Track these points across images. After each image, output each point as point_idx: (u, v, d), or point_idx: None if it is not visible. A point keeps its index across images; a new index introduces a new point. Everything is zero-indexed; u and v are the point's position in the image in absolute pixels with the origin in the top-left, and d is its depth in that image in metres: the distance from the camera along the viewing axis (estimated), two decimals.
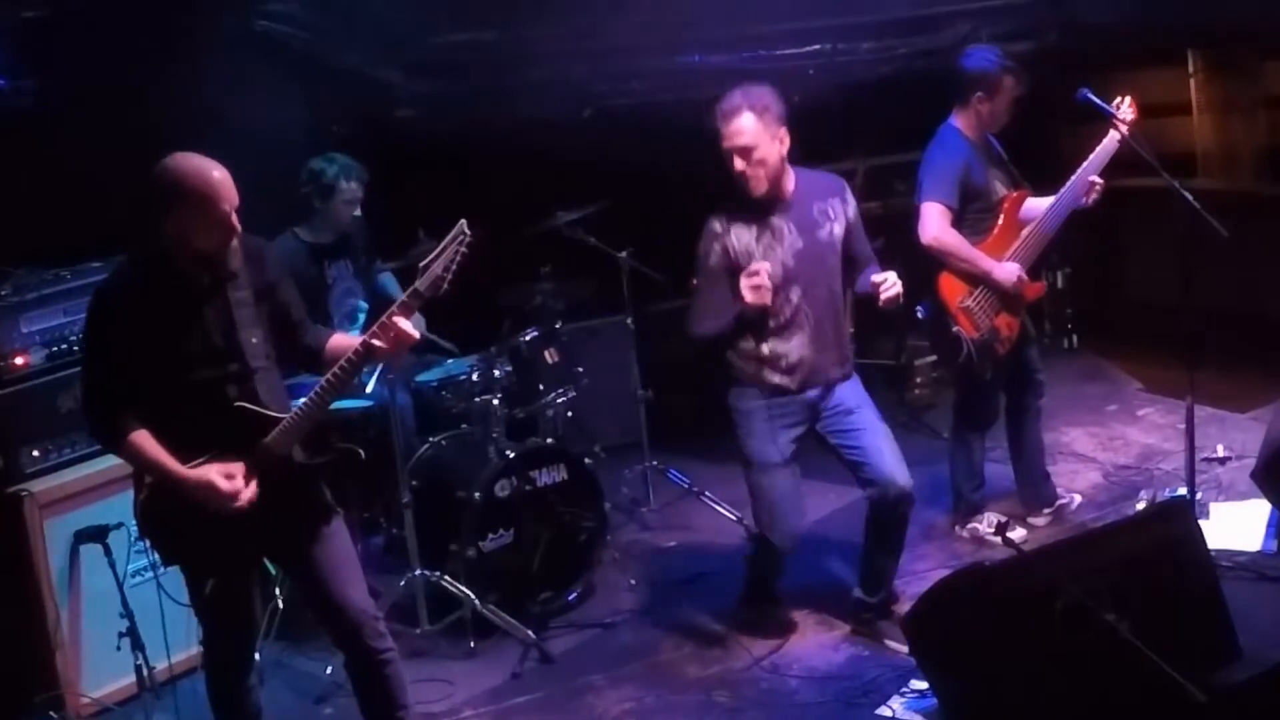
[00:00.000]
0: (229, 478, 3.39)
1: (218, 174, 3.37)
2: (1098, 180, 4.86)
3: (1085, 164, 4.86)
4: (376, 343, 3.44)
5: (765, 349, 4.36)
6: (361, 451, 3.65)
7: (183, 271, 3.42)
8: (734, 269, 4.29)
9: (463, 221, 3.47)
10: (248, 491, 3.41)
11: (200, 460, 3.41)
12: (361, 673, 3.69)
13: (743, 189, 4.28)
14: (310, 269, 5.28)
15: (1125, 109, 4.88)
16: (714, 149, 4.30)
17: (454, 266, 3.43)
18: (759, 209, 4.32)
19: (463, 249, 3.44)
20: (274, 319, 3.59)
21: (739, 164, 4.23)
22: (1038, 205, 4.97)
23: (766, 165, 4.23)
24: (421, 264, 3.46)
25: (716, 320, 4.34)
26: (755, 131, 4.20)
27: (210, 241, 3.39)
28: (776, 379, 4.37)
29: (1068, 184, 4.87)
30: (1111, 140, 4.84)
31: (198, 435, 3.42)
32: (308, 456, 3.55)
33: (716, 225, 4.37)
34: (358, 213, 5.30)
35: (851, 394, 4.46)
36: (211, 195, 3.33)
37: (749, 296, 4.17)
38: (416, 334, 3.49)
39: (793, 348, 4.35)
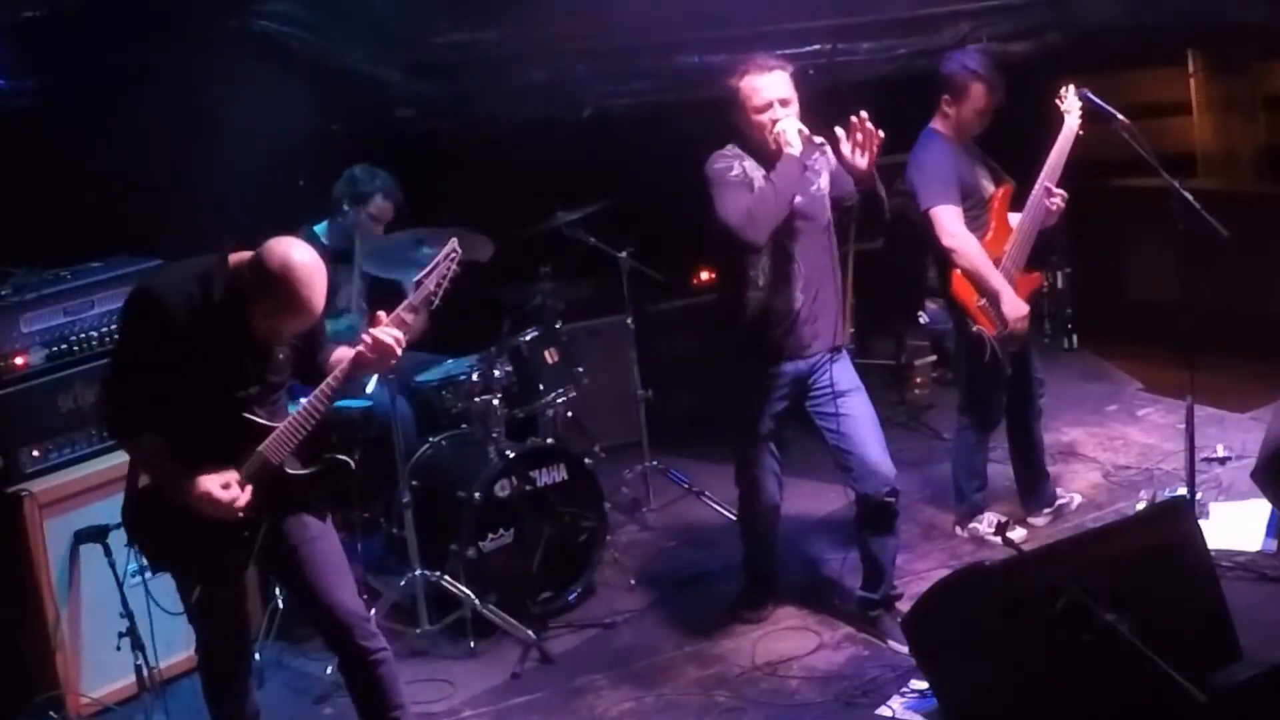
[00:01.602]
0: (225, 487, 3.42)
1: (319, 289, 3.30)
2: (1055, 193, 4.84)
3: (1048, 161, 4.85)
4: (363, 354, 3.47)
5: (760, 297, 4.33)
6: (352, 462, 3.67)
7: (244, 318, 3.38)
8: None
9: (453, 240, 3.54)
10: (244, 496, 3.44)
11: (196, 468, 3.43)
12: (355, 673, 3.69)
13: (764, 145, 4.25)
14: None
15: (1071, 98, 4.88)
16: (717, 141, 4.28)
17: (445, 284, 3.50)
18: (767, 164, 4.28)
19: (455, 266, 3.52)
20: (302, 346, 3.61)
21: (779, 113, 4.21)
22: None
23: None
24: (414, 279, 3.53)
25: (762, 204, 4.16)
26: (790, 85, 4.23)
27: (275, 332, 3.40)
28: (774, 335, 4.35)
29: (1040, 177, 4.87)
30: (1069, 130, 4.83)
31: (193, 440, 3.43)
32: (300, 466, 3.57)
33: (734, 147, 4.33)
34: (379, 232, 5.31)
35: (843, 376, 4.44)
36: (298, 310, 3.31)
37: (791, 142, 4.12)
38: (397, 346, 3.49)
39: (790, 300, 4.34)
